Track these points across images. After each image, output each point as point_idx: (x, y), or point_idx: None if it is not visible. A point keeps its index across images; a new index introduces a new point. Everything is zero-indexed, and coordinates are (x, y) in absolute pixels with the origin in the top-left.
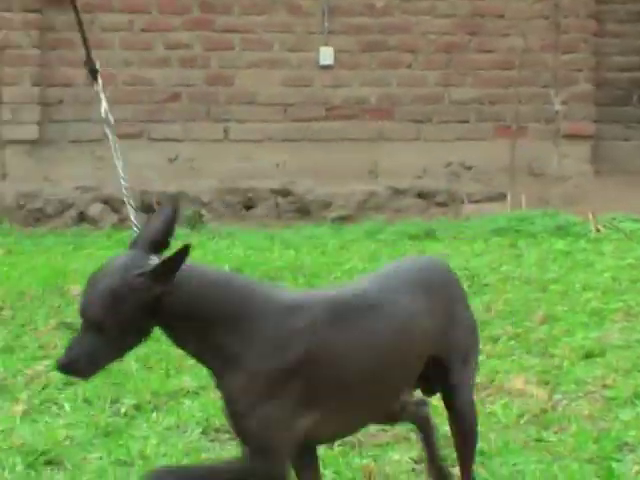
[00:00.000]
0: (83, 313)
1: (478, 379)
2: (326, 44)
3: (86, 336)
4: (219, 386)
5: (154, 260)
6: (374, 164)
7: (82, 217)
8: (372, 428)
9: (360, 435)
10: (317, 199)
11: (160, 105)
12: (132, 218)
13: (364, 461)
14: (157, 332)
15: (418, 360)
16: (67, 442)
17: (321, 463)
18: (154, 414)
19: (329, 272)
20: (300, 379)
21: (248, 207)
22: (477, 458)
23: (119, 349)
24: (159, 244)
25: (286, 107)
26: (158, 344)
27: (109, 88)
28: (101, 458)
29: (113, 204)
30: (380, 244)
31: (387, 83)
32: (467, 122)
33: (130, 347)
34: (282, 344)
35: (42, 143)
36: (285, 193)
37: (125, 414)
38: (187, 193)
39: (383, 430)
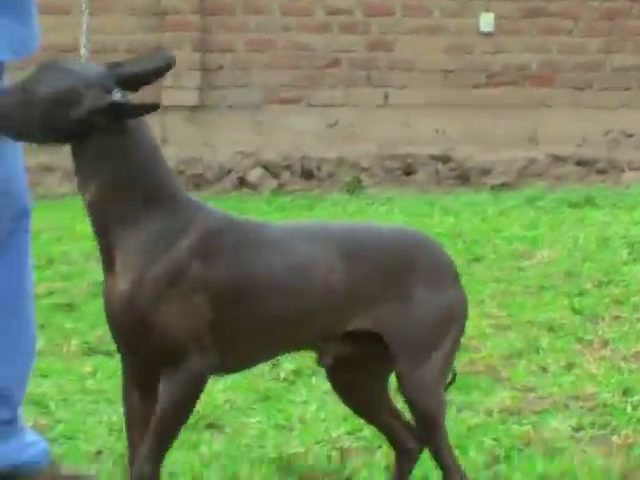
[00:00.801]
0: (29, 82)
1: None
2: (486, 10)
3: (13, 98)
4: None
5: (116, 94)
6: (534, 131)
7: (242, 182)
8: (531, 395)
9: (520, 403)
10: (477, 166)
11: (320, 71)
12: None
13: (523, 428)
14: None
15: (316, 313)
16: (227, 406)
17: (480, 430)
18: (313, 379)
19: (488, 239)
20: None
21: (408, 173)
22: None
23: (27, 133)
24: (134, 81)
25: (446, 74)
26: None
27: (269, 53)
28: (260, 422)
29: (273, 169)
30: (540, 211)
31: (548, 50)
32: (628, 89)
33: (35, 140)
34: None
35: (202, 109)
36: (445, 159)
37: (284, 379)
38: (346, 159)
39: (542, 397)
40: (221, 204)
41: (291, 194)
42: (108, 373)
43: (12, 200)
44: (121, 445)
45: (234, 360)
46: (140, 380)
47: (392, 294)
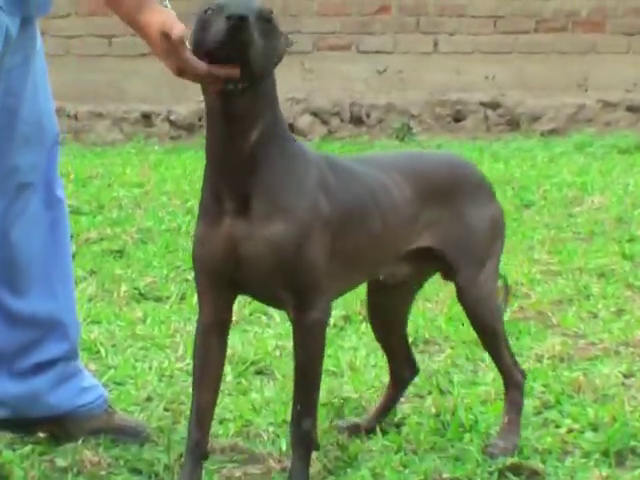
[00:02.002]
0: (264, 13)
1: None
2: None
3: (257, 32)
4: (257, 228)
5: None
6: (584, 77)
7: (291, 129)
8: (582, 341)
9: (570, 349)
10: (526, 112)
11: (369, 17)
12: None
13: (573, 374)
14: None
15: (397, 231)
16: (277, 352)
17: (530, 376)
18: (363, 325)
19: (538, 185)
20: (328, 228)
21: (457, 120)
22: None
23: (268, 64)
24: None
25: (496, 19)
26: None
27: (318, 0)
28: None
29: (322, 116)
30: (589, 157)
31: None
32: None
33: (267, 72)
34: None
35: None
36: (494, 106)
37: (334, 325)
38: (396, 105)
39: (592, 343)
40: None
41: (340, 140)
42: (158, 319)
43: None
44: (171, 391)
45: (336, 290)
46: (222, 327)
47: (447, 212)
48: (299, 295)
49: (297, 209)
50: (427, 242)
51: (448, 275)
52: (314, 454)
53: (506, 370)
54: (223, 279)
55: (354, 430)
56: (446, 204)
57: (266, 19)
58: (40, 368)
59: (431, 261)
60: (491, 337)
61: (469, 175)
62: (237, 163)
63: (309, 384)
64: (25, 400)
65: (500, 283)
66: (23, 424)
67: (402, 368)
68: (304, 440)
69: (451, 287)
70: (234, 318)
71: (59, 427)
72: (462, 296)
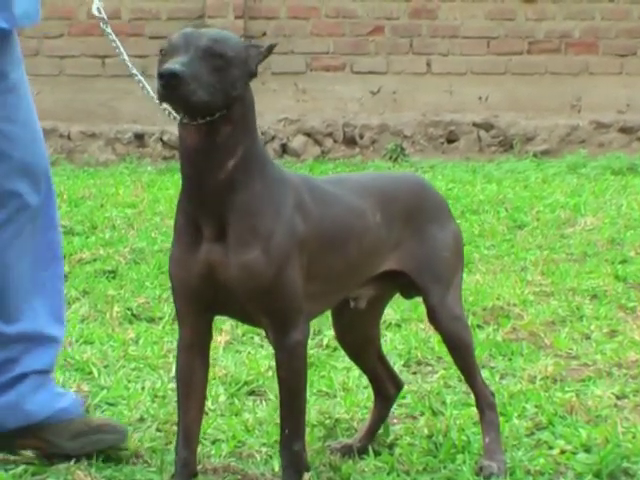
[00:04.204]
0: (216, 46)
1: None
2: None
3: (203, 66)
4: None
5: (262, 46)
6: (577, 98)
7: (284, 149)
8: (574, 362)
9: (562, 370)
10: (519, 133)
11: (363, 38)
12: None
13: (566, 395)
14: None
15: (370, 255)
16: (269, 373)
17: (522, 397)
18: None
19: (531, 206)
20: (305, 251)
21: (450, 140)
22: None
23: (214, 99)
24: None
25: (489, 40)
26: None
27: (312, 20)
28: None
29: (315, 136)
30: (582, 178)
31: (591, 16)
32: None
33: (216, 105)
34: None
35: None
36: (487, 127)
37: (327, 346)
38: (389, 126)
39: (585, 364)
40: None
41: (334, 161)
42: (151, 340)
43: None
44: (163, 412)
45: (313, 310)
46: (202, 346)
47: (409, 234)
48: (278, 318)
49: (274, 234)
50: (393, 265)
51: (409, 295)
52: (305, 475)
53: (479, 390)
54: (201, 302)
55: (346, 451)
56: (409, 225)
57: (218, 55)
58: (19, 380)
59: (394, 282)
60: (465, 355)
61: (429, 195)
62: (213, 191)
63: (295, 405)
64: (3, 411)
65: None
66: (3, 439)
67: (386, 386)
68: (295, 462)
69: None
70: (227, 338)
71: (40, 439)
72: (435, 316)
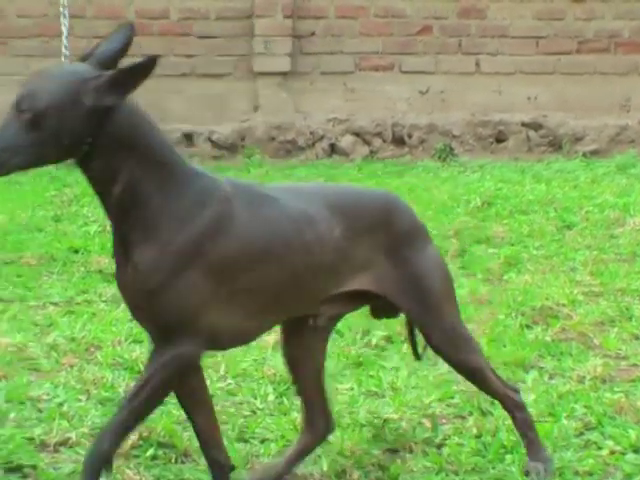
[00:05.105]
0: (24, 102)
1: None
2: None
3: (15, 127)
4: (130, 256)
5: (107, 73)
6: (626, 98)
7: (333, 149)
8: (623, 363)
9: (612, 370)
10: (568, 133)
11: (411, 38)
12: (64, 39)
13: (615, 396)
14: None
15: (323, 271)
16: None
17: (571, 397)
18: (405, 346)
19: (580, 206)
20: (207, 258)
21: (499, 140)
22: None
23: (41, 155)
24: (109, 62)
25: (538, 40)
26: None
27: (360, 19)
28: (352, 389)
29: (364, 136)
30: (632, 178)
31: None
32: None
33: (50, 159)
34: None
35: (294, 75)
36: (536, 126)
37: (376, 345)
38: (437, 126)
39: (634, 365)
40: (313, 171)
41: (382, 161)
42: None
43: None
44: None
45: (247, 331)
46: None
47: (384, 256)
48: (161, 328)
49: (171, 244)
50: (365, 286)
51: (379, 316)
52: (355, 474)
53: (501, 396)
54: (136, 315)
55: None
56: (379, 245)
57: (27, 110)
58: None
59: (364, 302)
60: (473, 373)
61: (402, 216)
62: (112, 212)
63: (133, 408)
64: None
65: None
66: None
67: (317, 420)
68: (95, 460)
69: (492, 309)
70: (274, 338)
71: None
72: (429, 341)
